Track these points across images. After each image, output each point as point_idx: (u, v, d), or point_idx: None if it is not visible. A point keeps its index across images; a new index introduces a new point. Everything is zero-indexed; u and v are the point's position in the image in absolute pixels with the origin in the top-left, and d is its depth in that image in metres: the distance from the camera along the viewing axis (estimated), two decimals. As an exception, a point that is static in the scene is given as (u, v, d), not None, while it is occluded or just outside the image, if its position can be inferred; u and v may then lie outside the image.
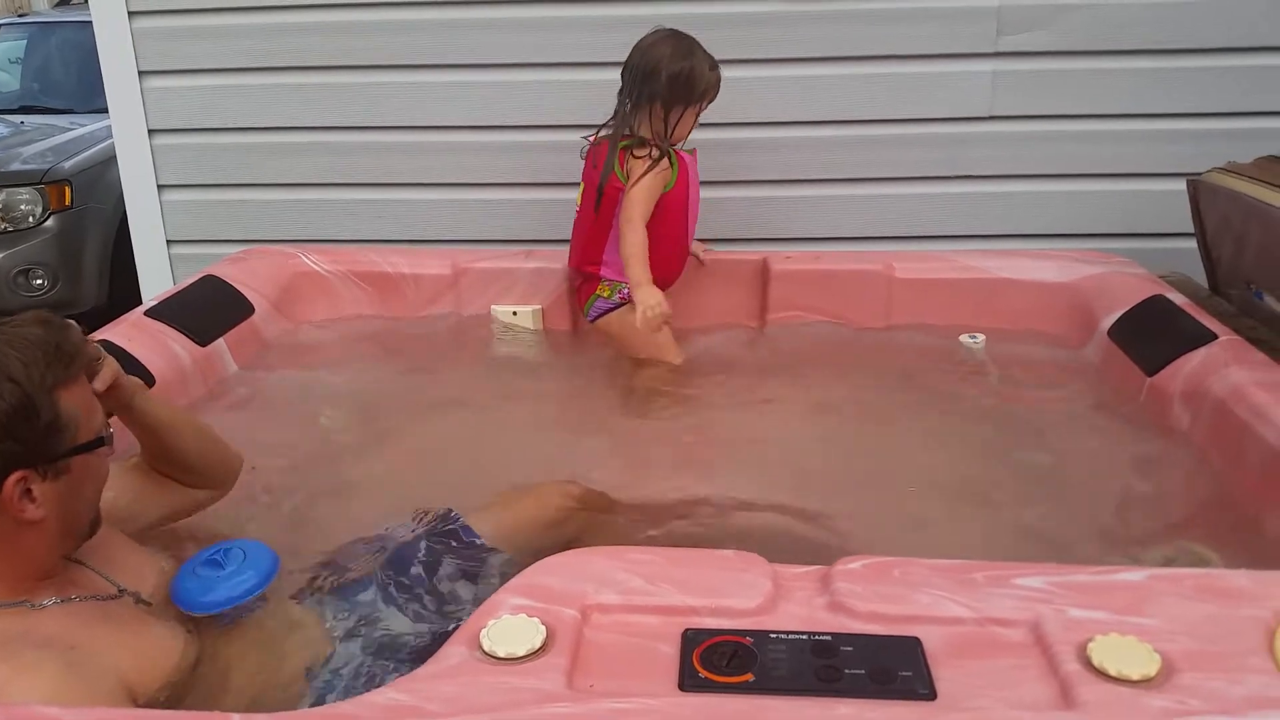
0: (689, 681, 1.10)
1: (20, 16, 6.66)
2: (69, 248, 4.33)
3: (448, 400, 2.51)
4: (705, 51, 2.43)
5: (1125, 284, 2.56)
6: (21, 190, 4.25)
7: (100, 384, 1.43)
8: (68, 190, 4.32)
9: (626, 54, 2.45)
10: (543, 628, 1.16)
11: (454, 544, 1.68)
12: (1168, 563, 1.70)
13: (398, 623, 1.53)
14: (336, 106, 3.03)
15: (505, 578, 1.42)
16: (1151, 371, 2.21)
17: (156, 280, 3.19)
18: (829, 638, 1.16)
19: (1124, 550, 1.79)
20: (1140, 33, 2.82)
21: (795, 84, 2.86)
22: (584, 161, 2.59)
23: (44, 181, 4.27)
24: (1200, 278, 2.61)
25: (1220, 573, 1.29)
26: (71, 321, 1.37)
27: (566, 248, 2.71)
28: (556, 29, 2.90)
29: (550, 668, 1.12)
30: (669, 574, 1.27)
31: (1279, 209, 2.11)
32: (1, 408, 1.21)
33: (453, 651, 1.16)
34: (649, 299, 2.34)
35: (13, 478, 1.23)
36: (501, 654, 1.13)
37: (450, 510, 1.75)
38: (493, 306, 2.83)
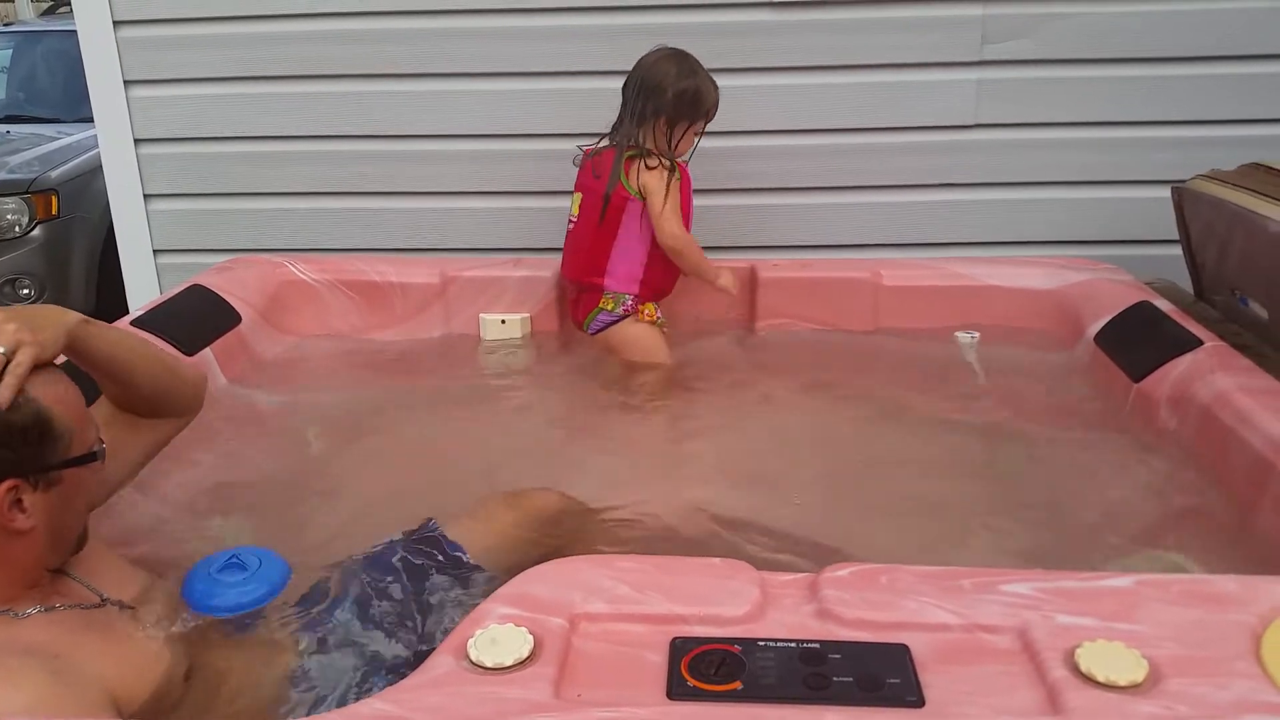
0: (677, 690, 1.10)
1: (6, 26, 6.63)
2: (55, 257, 4.32)
3: (434, 408, 2.51)
4: (706, 71, 2.48)
5: (1111, 290, 2.57)
6: (8, 200, 4.23)
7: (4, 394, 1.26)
8: (54, 200, 4.31)
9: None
10: (530, 637, 1.16)
11: (434, 553, 1.67)
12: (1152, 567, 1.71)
13: (381, 633, 1.52)
14: (323, 116, 3.03)
15: (486, 587, 1.41)
16: (1138, 377, 2.22)
17: (143, 290, 3.17)
18: (817, 645, 1.16)
19: (1110, 556, 1.79)
20: (1125, 41, 2.84)
21: (781, 93, 2.87)
22: (578, 170, 2.59)
23: (30, 191, 4.26)
24: (1186, 284, 2.63)
25: (1207, 578, 1.30)
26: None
27: (555, 256, 2.71)
28: (543, 39, 2.91)
29: (538, 677, 1.12)
30: (657, 582, 1.27)
31: (1262, 216, 2.13)
32: None
33: (440, 661, 1.15)
34: (728, 279, 2.61)
35: (3, 486, 1.23)
36: (489, 664, 1.13)
37: (430, 520, 1.74)
38: (481, 315, 2.83)
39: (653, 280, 2.57)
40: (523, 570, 1.32)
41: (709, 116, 2.50)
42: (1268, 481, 1.75)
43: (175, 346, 2.32)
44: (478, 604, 1.26)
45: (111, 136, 3.08)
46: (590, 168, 2.55)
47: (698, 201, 2.63)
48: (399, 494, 2.04)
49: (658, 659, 1.15)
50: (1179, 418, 2.06)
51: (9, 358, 1.26)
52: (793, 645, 1.16)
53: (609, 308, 2.57)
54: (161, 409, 1.63)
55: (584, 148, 2.58)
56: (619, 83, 2.49)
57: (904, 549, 1.84)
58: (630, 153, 2.47)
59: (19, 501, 1.25)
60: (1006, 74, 2.88)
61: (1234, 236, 2.28)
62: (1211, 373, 2.03)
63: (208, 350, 2.42)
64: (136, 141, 3.08)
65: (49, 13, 7.93)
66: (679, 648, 1.16)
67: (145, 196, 3.13)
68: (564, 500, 1.87)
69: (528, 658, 1.14)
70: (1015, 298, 2.70)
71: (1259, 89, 2.85)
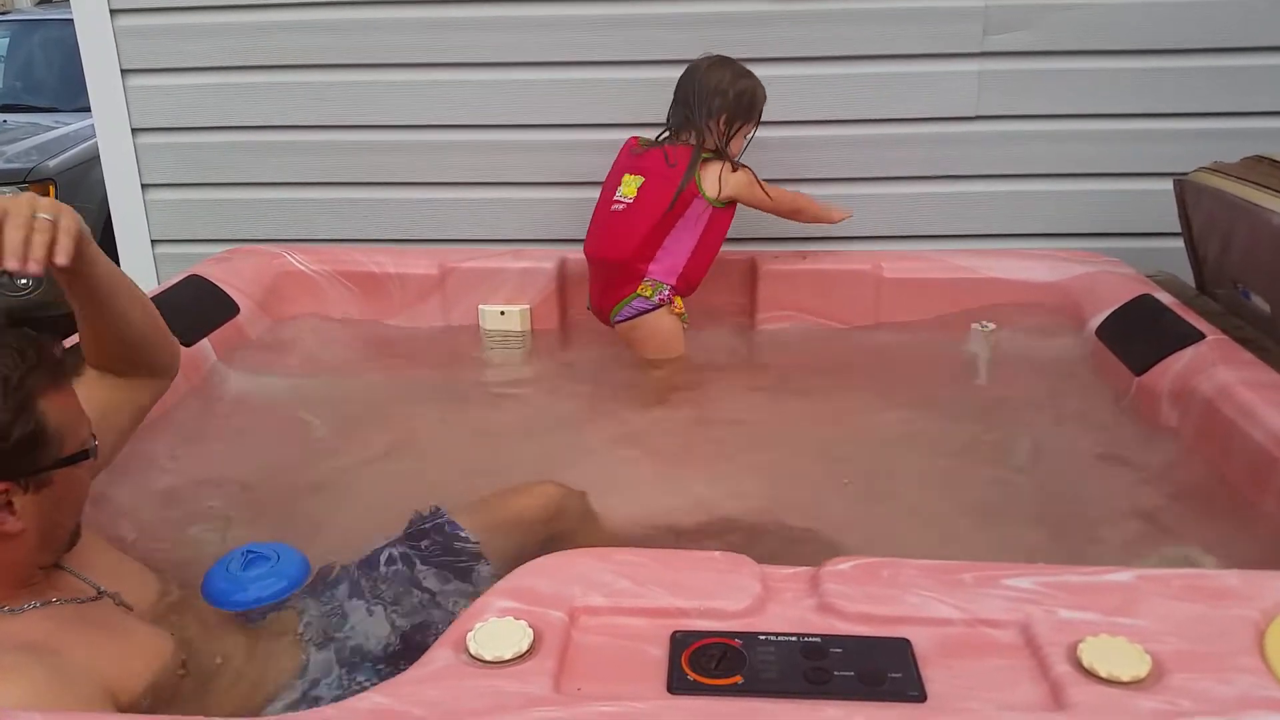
0: (678, 684, 1.10)
1: (3, 14, 6.61)
2: (53, 247, 4.29)
3: (435, 400, 2.50)
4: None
5: (1113, 283, 2.56)
6: (5, 189, 4.21)
7: (63, 256, 1.31)
8: (51, 189, 4.30)
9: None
10: (530, 630, 1.15)
11: (436, 544, 1.66)
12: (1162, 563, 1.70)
13: (382, 625, 1.52)
14: (322, 105, 3.01)
15: (489, 578, 1.40)
16: (1140, 371, 2.22)
17: (140, 280, 3.09)
18: (818, 639, 1.15)
19: (1112, 550, 1.79)
20: (1127, 33, 2.82)
21: (781, 84, 2.85)
22: (631, 154, 2.58)
23: (28, 180, 4.25)
24: (1187, 277, 2.62)
25: (1210, 573, 1.29)
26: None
27: (554, 247, 2.69)
28: (544, 28, 2.89)
29: (538, 671, 1.11)
30: (657, 575, 1.26)
31: (1265, 209, 2.12)
32: None
33: (439, 655, 1.15)
34: (841, 211, 2.76)
35: None
36: (488, 657, 1.12)
37: (438, 508, 1.73)
38: (480, 306, 2.82)
39: (690, 275, 2.58)
40: (523, 563, 1.31)
41: (758, 120, 2.56)
42: (1270, 475, 1.75)
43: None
44: (478, 597, 1.25)
45: (109, 126, 3.06)
46: (662, 155, 2.54)
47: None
48: (401, 487, 2.04)
49: (658, 653, 1.14)
50: (1181, 411, 2.05)
51: (56, 222, 1.30)
52: (794, 639, 1.15)
53: (646, 294, 2.55)
54: (143, 358, 1.58)
55: (638, 139, 2.60)
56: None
57: (905, 542, 1.84)
58: (707, 154, 2.51)
59: (9, 504, 1.23)
60: (1008, 65, 2.86)
61: (1236, 229, 2.27)
62: (1213, 366, 2.03)
63: (205, 341, 2.41)
64: (134, 131, 3.06)
65: (45, 1, 7.90)
66: (679, 641, 1.15)
67: (143, 186, 3.11)
68: (565, 493, 1.86)
69: (527, 651, 1.13)
70: (1017, 290, 2.70)
71: (1261, 81, 2.84)
